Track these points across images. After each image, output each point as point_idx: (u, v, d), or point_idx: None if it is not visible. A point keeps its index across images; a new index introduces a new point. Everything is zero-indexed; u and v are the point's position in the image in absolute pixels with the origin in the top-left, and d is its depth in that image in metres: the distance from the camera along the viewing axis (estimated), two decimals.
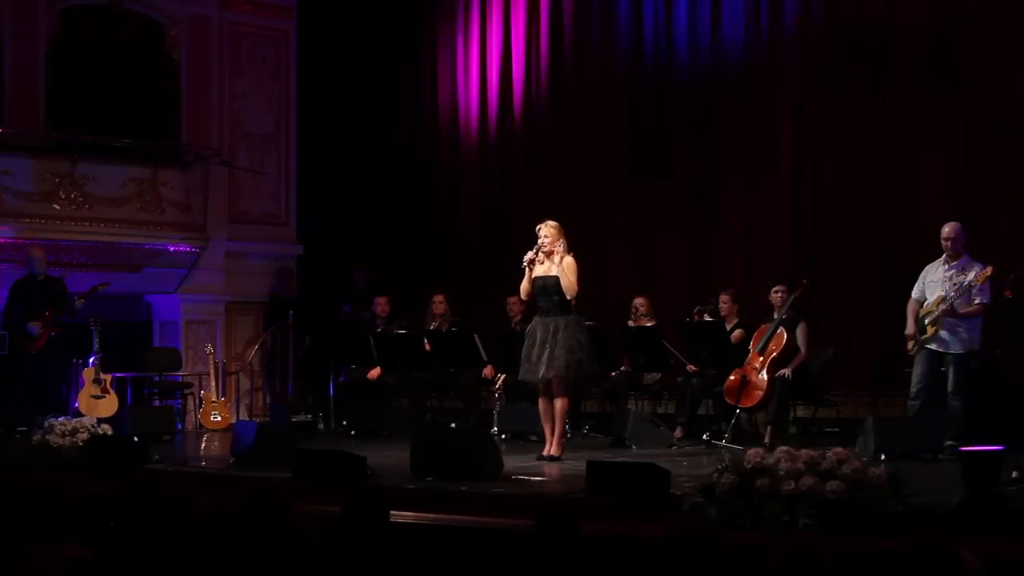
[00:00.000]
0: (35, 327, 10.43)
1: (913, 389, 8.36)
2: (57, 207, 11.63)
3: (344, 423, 10.65)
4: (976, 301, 8.20)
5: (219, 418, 11.44)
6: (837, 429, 9.50)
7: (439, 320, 10.93)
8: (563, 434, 8.36)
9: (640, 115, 11.70)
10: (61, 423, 8.55)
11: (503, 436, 9.65)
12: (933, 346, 8.28)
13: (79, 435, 8.40)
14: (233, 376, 12.50)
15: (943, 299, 8.22)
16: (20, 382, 10.46)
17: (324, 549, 4.34)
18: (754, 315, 9.87)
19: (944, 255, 8.37)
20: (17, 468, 7.95)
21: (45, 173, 11.61)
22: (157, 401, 11.90)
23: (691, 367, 9.74)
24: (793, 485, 5.48)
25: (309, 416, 11.19)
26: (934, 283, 8.38)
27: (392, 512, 4.43)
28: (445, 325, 10.84)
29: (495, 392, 10.53)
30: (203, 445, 10.55)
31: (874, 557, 4.92)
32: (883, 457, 7.54)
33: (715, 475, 5.74)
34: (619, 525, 5.59)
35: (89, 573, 4.04)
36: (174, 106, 12.56)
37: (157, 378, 11.77)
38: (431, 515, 6.33)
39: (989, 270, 8.14)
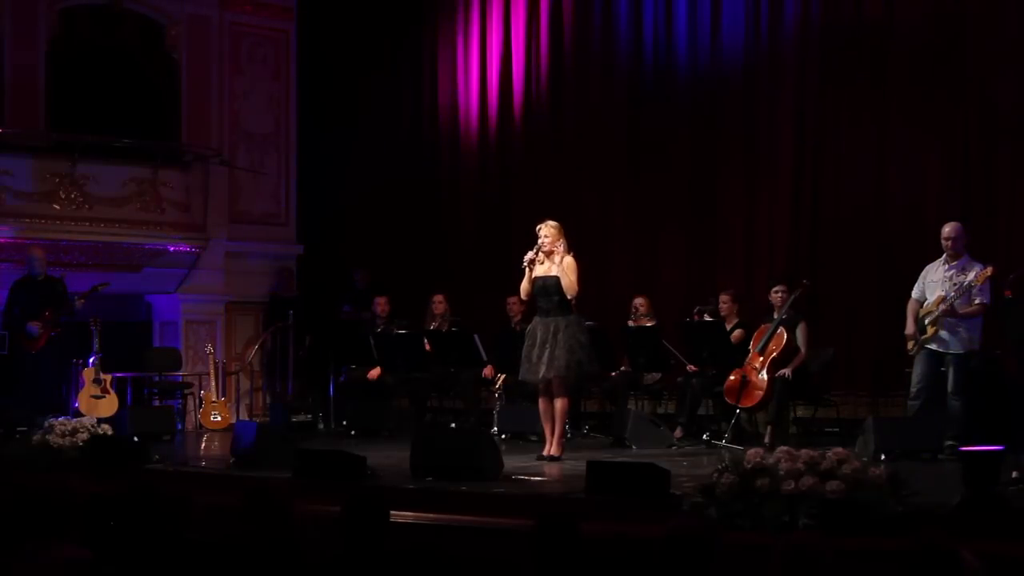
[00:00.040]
0: (35, 327, 10.43)
1: (913, 389, 8.36)
2: (57, 207, 11.63)
3: (344, 423, 10.64)
4: (976, 301, 8.20)
5: (219, 418, 11.44)
6: (837, 429, 9.50)
7: (439, 320, 10.93)
8: (563, 434, 8.36)
9: (640, 114, 11.69)
10: (61, 423, 8.54)
11: (503, 436, 9.65)
12: (933, 346, 8.28)
13: (79, 435, 8.39)
14: (233, 376, 12.50)
15: (943, 299, 8.21)
16: (20, 382, 10.46)
17: (324, 549, 4.34)
18: (754, 315, 9.87)
19: (944, 255, 8.37)
20: (17, 468, 7.96)
21: (45, 173, 11.61)
22: (157, 401, 11.90)
23: (691, 367, 9.74)
24: (793, 485, 5.48)
25: (309, 416, 11.20)
26: (934, 283, 8.38)
27: (392, 512, 4.43)
28: (445, 325, 10.84)
29: (495, 392, 10.53)
30: (203, 445, 10.55)
31: (874, 557, 4.92)
32: (883, 457, 7.54)
33: (715, 475, 5.74)
34: (619, 525, 5.58)
35: (89, 573, 4.04)
36: (174, 106, 12.56)
37: (157, 378, 11.77)
38: (431, 515, 6.33)
39: (989, 270, 8.14)
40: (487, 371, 10.49)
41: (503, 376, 10.34)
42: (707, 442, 9.32)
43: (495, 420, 10.03)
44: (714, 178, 11.27)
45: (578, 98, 12.09)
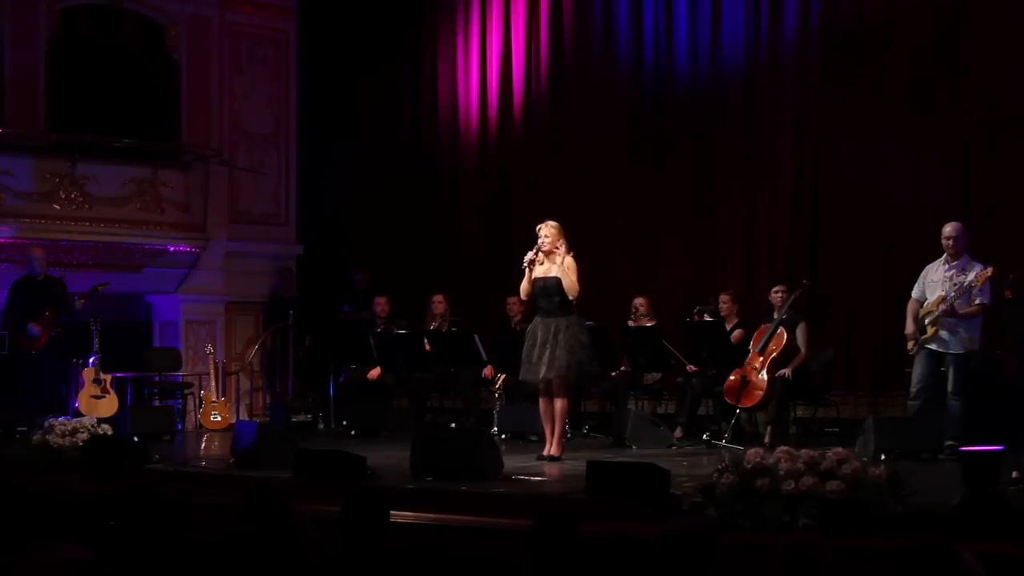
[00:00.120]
0: (35, 327, 10.43)
1: (913, 389, 8.36)
2: (57, 207, 11.63)
3: (344, 423, 10.64)
4: (976, 301, 8.20)
5: (219, 418, 11.44)
6: (837, 429, 9.50)
7: (439, 320, 10.93)
8: (563, 434, 8.36)
9: (640, 114, 11.70)
10: (61, 423, 8.55)
11: (503, 436, 9.65)
12: (933, 346, 8.28)
13: (79, 435, 8.40)
14: (233, 376, 12.50)
15: (943, 299, 8.21)
16: (20, 382, 10.45)
17: (324, 549, 4.34)
18: (754, 315, 9.87)
19: (944, 255, 8.37)
20: (17, 468, 7.95)
21: (45, 173, 11.61)
22: (157, 401, 11.90)
23: (691, 367, 9.74)
24: (793, 485, 5.48)
25: (309, 416, 11.20)
26: (934, 283, 8.38)
27: (392, 512, 4.43)
28: (445, 325, 10.84)
29: (495, 392, 10.53)
30: (203, 445, 10.55)
31: (874, 557, 4.92)
32: (883, 457, 7.53)
33: (715, 475, 5.75)
34: (619, 525, 5.57)
35: (89, 573, 4.03)
36: (174, 106, 12.56)
37: (157, 378, 11.77)
38: (431, 515, 6.33)
39: (989, 270, 8.14)
40: (487, 371, 10.49)
41: (503, 376, 10.34)
42: (707, 442, 9.32)
43: (495, 420, 10.03)
44: (714, 178, 11.27)
45: (578, 98, 12.09)
